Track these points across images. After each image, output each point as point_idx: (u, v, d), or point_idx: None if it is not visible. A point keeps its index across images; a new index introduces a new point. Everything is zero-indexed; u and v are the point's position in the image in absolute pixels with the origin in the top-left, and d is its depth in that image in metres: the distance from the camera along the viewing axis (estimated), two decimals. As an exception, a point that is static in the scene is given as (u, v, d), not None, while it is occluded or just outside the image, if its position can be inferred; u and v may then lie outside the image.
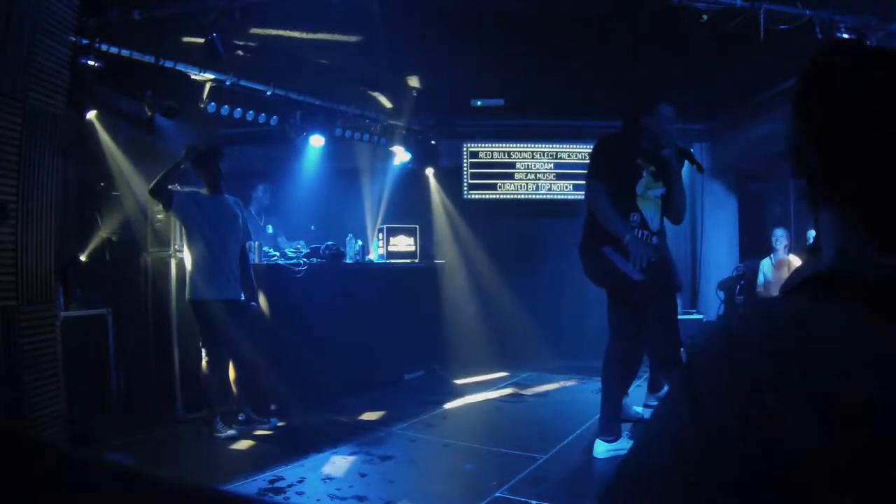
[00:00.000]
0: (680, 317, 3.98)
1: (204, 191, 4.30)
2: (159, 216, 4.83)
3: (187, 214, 4.18)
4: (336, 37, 5.19)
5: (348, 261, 5.96)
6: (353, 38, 5.23)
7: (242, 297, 4.33)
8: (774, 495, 0.44)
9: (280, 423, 4.45)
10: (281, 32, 5.06)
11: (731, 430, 0.47)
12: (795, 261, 5.91)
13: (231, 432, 4.13)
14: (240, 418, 4.32)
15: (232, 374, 4.29)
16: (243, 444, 4.04)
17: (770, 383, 0.47)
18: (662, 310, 3.48)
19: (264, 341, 4.70)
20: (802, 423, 0.44)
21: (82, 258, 5.30)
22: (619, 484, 0.53)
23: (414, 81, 6.36)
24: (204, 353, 4.21)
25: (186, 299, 4.23)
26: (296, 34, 5.09)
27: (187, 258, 4.21)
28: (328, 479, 3.35)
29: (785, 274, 5.65)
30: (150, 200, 4.93)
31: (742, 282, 7.00)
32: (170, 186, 4.16)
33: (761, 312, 0.55)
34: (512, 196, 7.71)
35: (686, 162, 3.71)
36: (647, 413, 4.30)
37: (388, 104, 6.85)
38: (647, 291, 3.38)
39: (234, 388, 4.33)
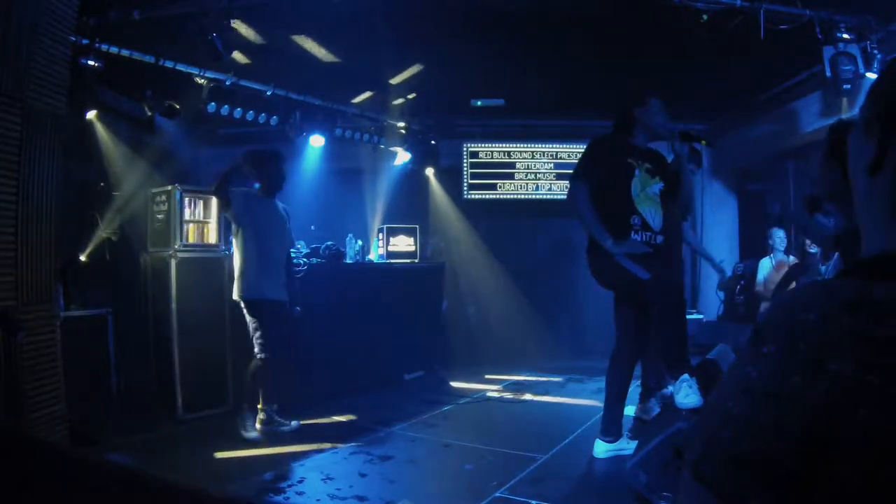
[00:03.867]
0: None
1: (258, 192, 4.28)
2: (159, 216, 4.83)
3: (243, 214, 4.15)
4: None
5: (348, 261, 5.96)
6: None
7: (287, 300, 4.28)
8: (832, 456, 0.46)
9: (299, 424, 4.30)
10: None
11: (794, 391, 0.49)
12: (794, 262, 5.90)
13: (255, 435, 4.06)
14: (260, 417, 4.28)
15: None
16: (243, 445, 4.04)
17: (832, 355, 0.49)
18: (671, 308, 3.42)
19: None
20: (869, 395, 0.46)
21: (82, 258, 5.29)
22: (696, 433, 0.56)
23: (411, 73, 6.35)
24: (257, 350, 4.10)
25: (238, 297, 4.14)
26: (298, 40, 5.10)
27: (237, 257, 4.18)
28: (328, 479, 3.35)
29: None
30: (150, 200, 4.93)
31: (742, 282, 6.99)
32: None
33: (821, 290, 0.57)
34: (512, 196, 7.71)
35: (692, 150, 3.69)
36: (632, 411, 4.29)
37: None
38: (655, 289, 3.32)
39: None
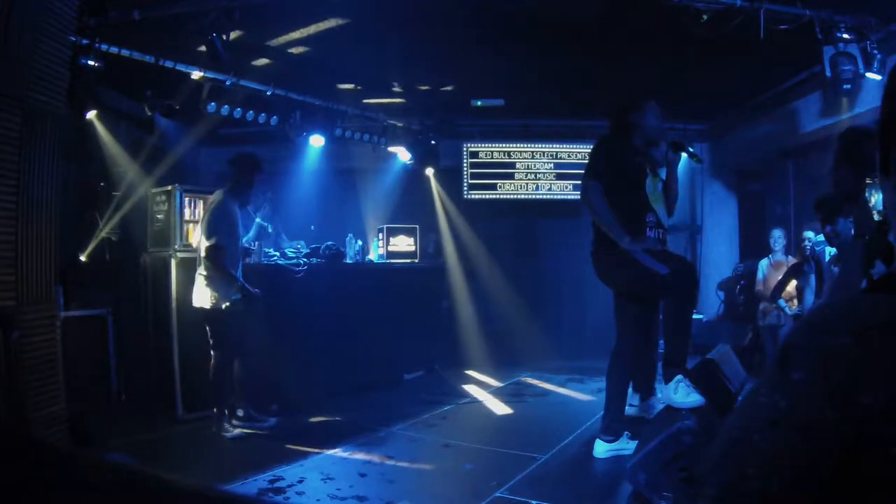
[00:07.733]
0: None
1: (229, 195, 4.27)
2: (159, 216, 4.82)
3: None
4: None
5: (348, 261, 5.96)
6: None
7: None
8: (862, 493, 0.43)
9: (277, 422, 4.40)
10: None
11: (827, 424, 0.46)
12: (793, 262, 5.89)
13: (237, 432, 4.11)
14: (238, 414, 4.31)
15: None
16: (243, 444, 4.03)
17: (866, 384, 0.46)
18: (682, 305, 3.42)
19: (264, 341, 4.68)
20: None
21: (82, 258, 5.30)
22: (716, 464, 0.52)
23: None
24: (214, 353, 4.15)
25: (215, 307, 4.13)
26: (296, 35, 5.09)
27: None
28: (328, 479, 3.35)
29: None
30: (150, 200, 4.93)
31: (742, 282, 7.00)
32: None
33: (853, 310, 0.53)
34: (512, 196, 7.71)
35: (683, 156, 3.74)
36: (631, 411, 4.28)
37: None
38: (671, 284, 3.32)
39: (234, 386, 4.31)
